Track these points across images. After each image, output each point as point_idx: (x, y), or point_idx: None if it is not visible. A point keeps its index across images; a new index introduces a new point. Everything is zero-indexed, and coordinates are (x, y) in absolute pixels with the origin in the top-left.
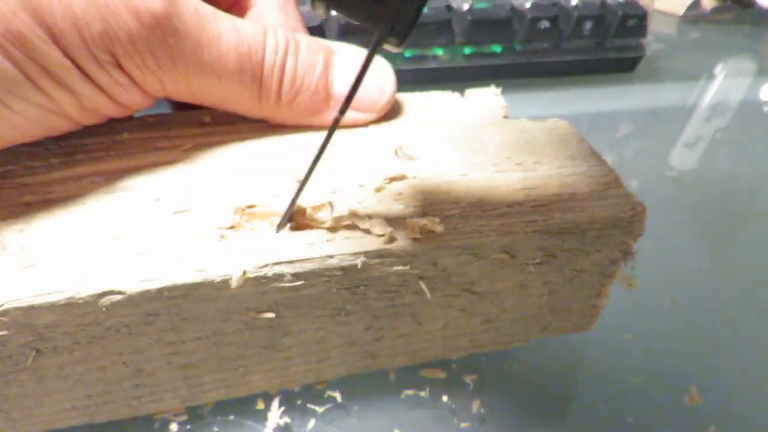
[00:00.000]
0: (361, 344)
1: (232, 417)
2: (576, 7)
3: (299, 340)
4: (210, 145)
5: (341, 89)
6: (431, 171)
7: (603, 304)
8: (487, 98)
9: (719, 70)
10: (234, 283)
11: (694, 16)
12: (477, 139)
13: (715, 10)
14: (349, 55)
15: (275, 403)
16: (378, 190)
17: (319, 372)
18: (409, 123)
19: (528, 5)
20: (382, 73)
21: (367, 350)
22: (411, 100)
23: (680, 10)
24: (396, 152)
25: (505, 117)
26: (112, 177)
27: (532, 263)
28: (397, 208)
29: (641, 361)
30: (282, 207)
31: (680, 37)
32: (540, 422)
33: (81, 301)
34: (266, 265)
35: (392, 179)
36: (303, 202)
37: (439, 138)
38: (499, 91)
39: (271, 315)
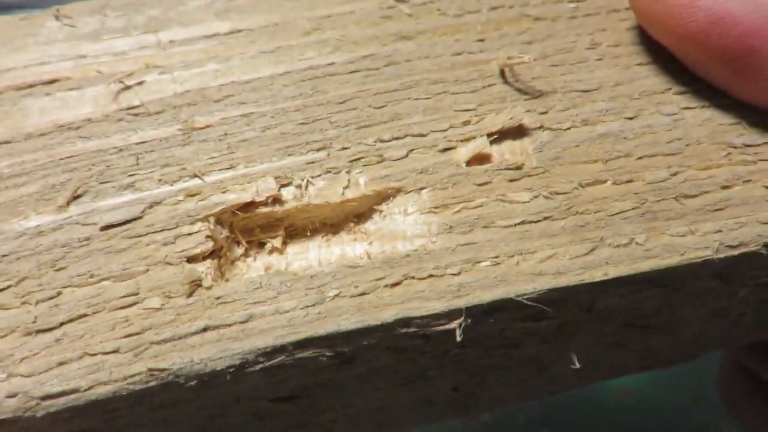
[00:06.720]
0: (444, 402)
1: None
2: None
3: (346, 412)
4: None
5: None
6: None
7: None
8: None
9: None
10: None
11: None
12: None
13: None
14: None
15: None
16: (468, 163)
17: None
18: None
19: None
20: None
21: (453, 405)
22: None
23: None
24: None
25: None
26: None
27: (753, 283)
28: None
29: None
30: None
31: None
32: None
33: None
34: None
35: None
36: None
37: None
38: None
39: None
